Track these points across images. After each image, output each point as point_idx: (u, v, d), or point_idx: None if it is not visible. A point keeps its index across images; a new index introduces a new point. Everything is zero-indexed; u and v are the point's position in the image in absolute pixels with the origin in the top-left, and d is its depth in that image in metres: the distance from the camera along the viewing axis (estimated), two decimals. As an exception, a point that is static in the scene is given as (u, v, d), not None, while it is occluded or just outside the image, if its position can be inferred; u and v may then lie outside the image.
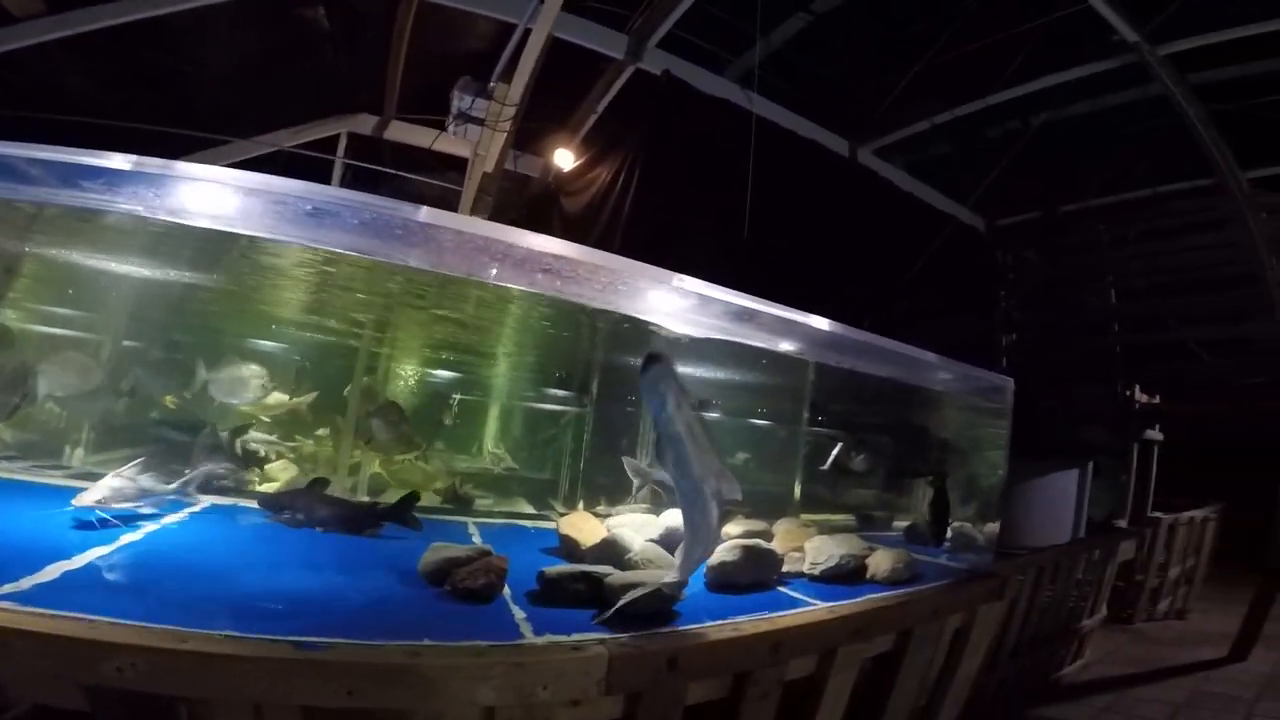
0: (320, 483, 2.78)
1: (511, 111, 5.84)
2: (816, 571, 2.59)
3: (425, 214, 1.62)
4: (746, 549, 2.36)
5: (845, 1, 7.09)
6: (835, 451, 3.60)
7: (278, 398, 3.26)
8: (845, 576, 2.59)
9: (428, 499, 3.48)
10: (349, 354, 3.46)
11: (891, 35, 7.50)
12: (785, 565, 2.58)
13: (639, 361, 1.85)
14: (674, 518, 2.64)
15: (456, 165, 6.96)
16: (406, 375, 3.80)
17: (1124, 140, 8.13)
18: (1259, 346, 7.15)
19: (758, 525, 2.85)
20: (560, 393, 4.19)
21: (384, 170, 7.25)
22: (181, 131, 5.99)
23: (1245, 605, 5.54)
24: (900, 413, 3.58)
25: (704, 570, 2.24)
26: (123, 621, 1.36)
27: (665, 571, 2.09)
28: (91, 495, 2.08)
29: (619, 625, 1.76)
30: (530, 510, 3.76)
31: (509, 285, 1.73)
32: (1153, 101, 6.99)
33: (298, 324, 3.24)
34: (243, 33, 6.28)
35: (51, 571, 1.63)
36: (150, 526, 2.20)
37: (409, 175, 7.34)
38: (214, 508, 2.62)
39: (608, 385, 3.72)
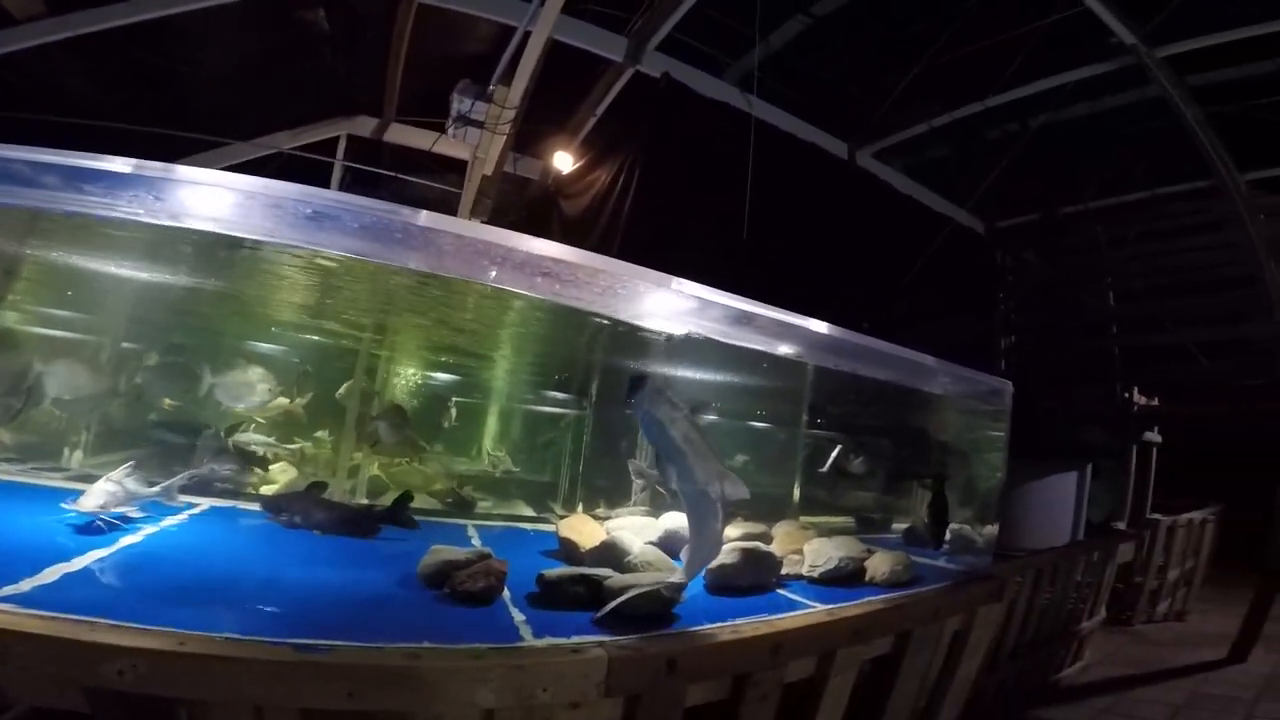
0: (318, 486, 2.79)
1: (511, 114, 5.84)
2: (816, 574, 2.59)
3: (425, 218, 1.63)
4: (746, 551, 2.37)
5: (844, 4, 7.10)
6: (834, 454, 3.60)
7: (280, 401, 3.27)
8: (844, 579, 2.59)
9: (428, 502, 3.49)
10: (348, 356, 3.46)
11: (890, 38, 7.51)
12: (784, 568, 2.59)
13: (626, 384, 1.86)
14: (673, 520, 2.65)
15: (456, 168, 6.97)
16: (406, 378, 3.81)
17: (1122, 142, 8.14)
18: (1257, 348, 7.16)
19: (757, 528, 2.85)
20: (560, 395, 4.20)
21: (383, 173, 7.26)
22: (181, 133, 6.00)
23: (1244, 607, 5.55)
24: (899, 415, 3.59)
25: (704, 572, 2.25)
26: (122, 624, 1.36)
27: (666, 574, 2.10)
28: (87, 501, 2.07)
29: (618, 626, 1.76)
30: (529, 513, 3.76)
31: (509, 289, 1.73)
32: (1151, 103, 6.99)
33: (297, 326, 3.24)
34: (242, 34, 6.29)
35: (51, 574, 1.63)
36: (150, 529, 2.20)
37: (408, 178, 7.35)
38: (214, 510, 2.62)
39: (607, 388, 3.72)
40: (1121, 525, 6.72)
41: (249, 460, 3.14)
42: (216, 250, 1.89)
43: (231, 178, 1.58)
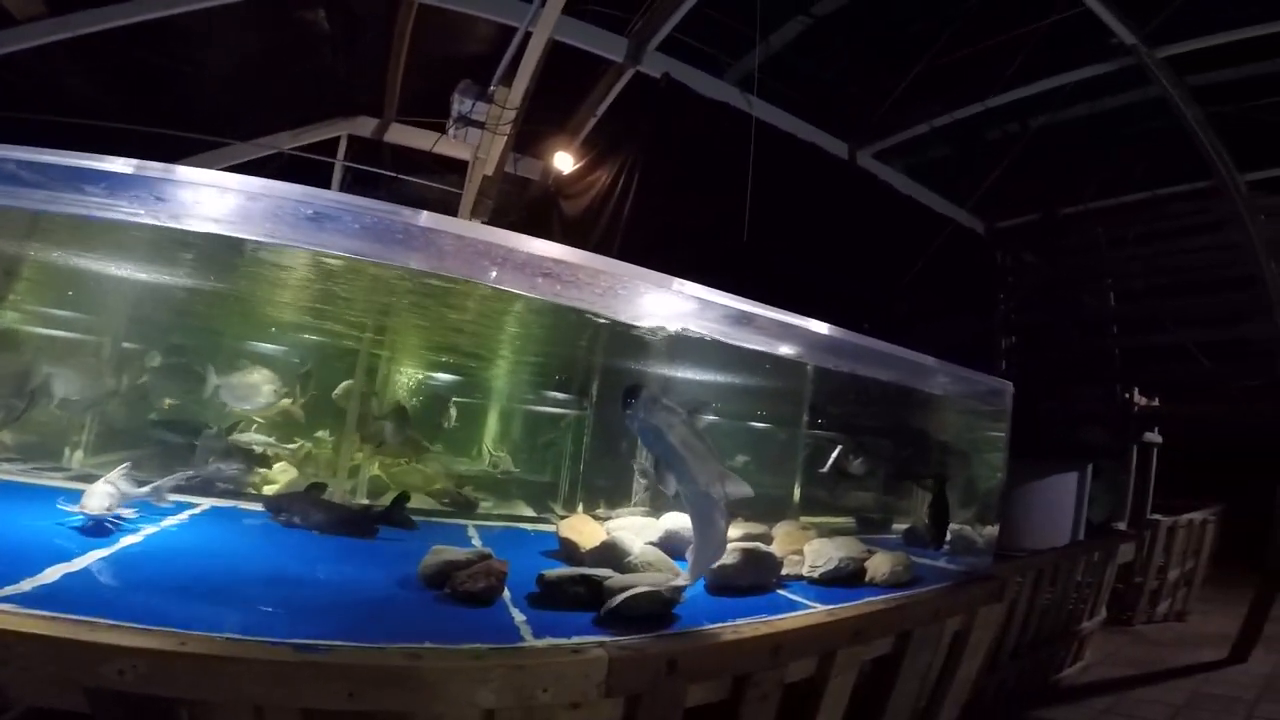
0: (317, 487, 2.79)
1: (512, 114, 5.84)
2: (816, 574, 2.59)
3: (426, 218, 1.63)
4: (746, 552, 2.37)
5: (844, 4, 7.10)
6: (834, 454, 3.60)
7: (281, 402, 3.27)
8: (845, 579, 2.59)
9: (429, 502, 3.49)
10: (349, 356, 3.47)
11: (890, 38, 7.50)
12: (785, 568, 2.59)
13: (621, 395, 1.86)
14: (673, 520, 2.65)
15: (457, 168, 6.96)
16: (407, 378, 3.81)
17: (1123, 142, 8.13)
18: (1257, 348, 7.15)
19: (757, 528, 2.85)
20: (560, 395, 4.20)
21: (384, 173, 7.26)
22: (181, 134, 6.00)
23: (1245, 607, 5.55)
24: (900, 416, 3.59)
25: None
26: (123, 624, 1.36)
27: (669, 575, 2.10)
28: (92, 503, 2.07)
29: (619, 626, 1.77)
30: (530, 513, 3.76)
31: (509, 290, 1.73)
32: (1151, 104, 6.98)
33: (298, 327, 3.24)
34: (243, 35, 6.29)
35: (52, 574, 1.63)
36: (150, 529, 2.20)
37: (409, 178, 7.35)
38: (214, 510, 2.62)
39: (607, 388, 3.72)
40: (1122, 525, 6.72)
41: (249, 460, 3.15)
42: (218, 250, 1.89)
43: (232, 178, 1.58)
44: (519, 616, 1.80)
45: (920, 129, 7.97)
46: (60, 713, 1.32)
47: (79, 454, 2.92)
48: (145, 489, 2.33)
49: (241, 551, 2.27)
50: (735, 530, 2.72)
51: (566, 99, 6.98)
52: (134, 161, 1.53)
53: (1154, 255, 7.95)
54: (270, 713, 1.35)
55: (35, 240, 2.13)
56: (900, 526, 3.71)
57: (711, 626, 1.91)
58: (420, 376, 3.86)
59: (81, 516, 2.05)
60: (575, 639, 1.67)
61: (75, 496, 2.13)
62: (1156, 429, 7.16)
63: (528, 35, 5.41)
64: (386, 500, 2.93)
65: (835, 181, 7.61)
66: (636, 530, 2.61)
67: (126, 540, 2.05)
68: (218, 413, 3.11)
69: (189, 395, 3.02)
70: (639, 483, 3.28)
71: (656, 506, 3.08)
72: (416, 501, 3.26)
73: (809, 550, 2.68)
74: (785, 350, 2.32)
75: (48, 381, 2.58)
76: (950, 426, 3.67)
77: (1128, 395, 7.20)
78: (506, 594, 1.91)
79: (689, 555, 2.13)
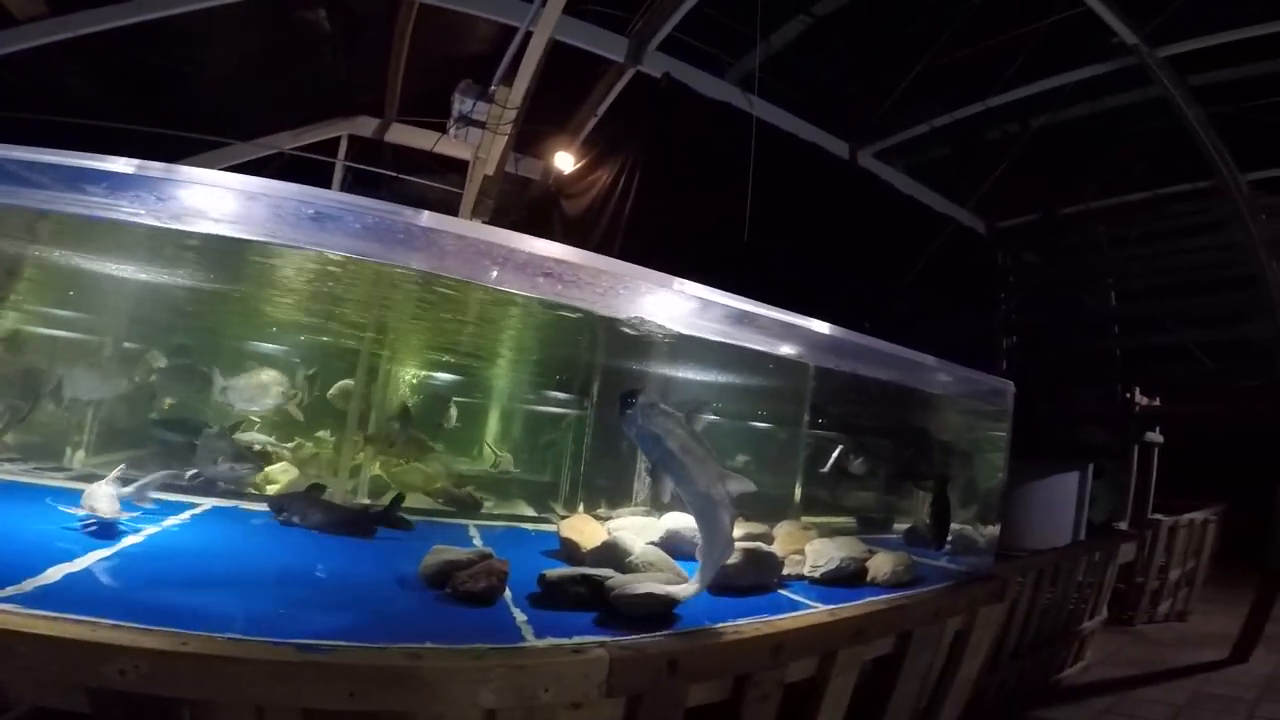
0: (316, 487, 2.79)
1: (512, 114, 5.84)
2: (817, 574, 2.59)
3: (427, 218, 1.63)
4: (747, 552, 2.37)
5: (845, 4, 7.09)
6: (836, 454, 3.60)
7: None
8: (846, 579, 2.59)
9: (429, 502, 3.49)
10: (349, 356, 3.47)
11: (891, 38, 7.50)
12: (786, 568, 2.59)
13: (618, 403, 1.86)
14: (674, 520, 2.65)
15: (457, 168, 6.96)
16: (409, 378, 3.81)
17: (1123, 142, 8.12)
18: (1258, 348, 7.15)
19: (758, 528, 2.85)
20: (561, 395, 4.20)
21: (385, 173, 7.26)
22: (182, 134, 6.00)
23: (1246, 607, 5.55)
24: (901, 415, 3.59)
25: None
26: (124, 624, 1.36)
27: (672, 576, 2.10)
28: (102, 505, 2.06)
29: (620, 626, 1.77)
30: (531, 513, 3.76)
31: (510, 290, 1.73)
32: (1152, 103, 6.98)
33: (299, 327, 3.25)
34: (243, 35, 6.29)
35: (53, 574, 1.64)
36: (151, 529, 2.20)
37: (410, 178, 7.35)
38: (215, 510, 2.62)
39: (608, 388, 3.72)
40: (1123, 525, 6.72)
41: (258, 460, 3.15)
42: (219, 251, 1.89)
43: (233, 178, 1.57)
44: (520, 616, 1.80)
45: (921, 129, 7.96)
46: (62, 713, 1.32)
47: (80, 454, 2.92)
48: (129, 488, 2.29)
49: (243, 551, 2.27)
50: (737, 530, 2.71)
51: (567, 99, 6.98)
52: (135, 161, 1.53)
53: (1155, 255, 7.95)
54: (272, 712, 1.35)
55: (37, 239, 2.13)
56: (901, 526, 3.70)
57: (712, 626, 1.91)
58: (421, 376, 3.86)
59: (91, 518, 2.04)
60: (576, 639, 1.67)
61: (74, 497, 2.12)
62: (1157, 429, 7.16)
63: (528, 35, 5.41)
64: (386, 500, 2.94)
65: (836, 181, 7.60)
66: (637, 530, 2.61)
67: (128, 540, 2.05)
68: (218, 412, 3.12)
69: (197, 395, 3.02)
70: (646, 480, 3.27)
71: (658, 505, 3.07)
72: (419, 501, 3.27)
73: (810, 550, 2.68)
74: (786, 350, 2.32)
75: (60, 383, 2.58)
76: (951, 426, 3.67)
77: (1128, 395, 7.20)
78: (507, 594, 1.91)
79: (698, 557, 2.13)
